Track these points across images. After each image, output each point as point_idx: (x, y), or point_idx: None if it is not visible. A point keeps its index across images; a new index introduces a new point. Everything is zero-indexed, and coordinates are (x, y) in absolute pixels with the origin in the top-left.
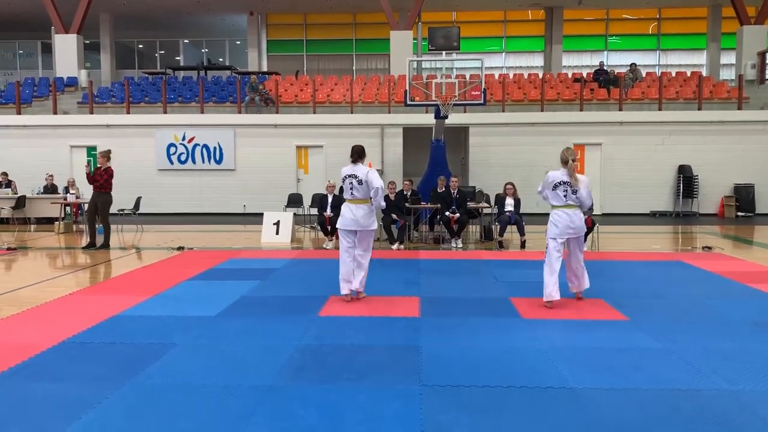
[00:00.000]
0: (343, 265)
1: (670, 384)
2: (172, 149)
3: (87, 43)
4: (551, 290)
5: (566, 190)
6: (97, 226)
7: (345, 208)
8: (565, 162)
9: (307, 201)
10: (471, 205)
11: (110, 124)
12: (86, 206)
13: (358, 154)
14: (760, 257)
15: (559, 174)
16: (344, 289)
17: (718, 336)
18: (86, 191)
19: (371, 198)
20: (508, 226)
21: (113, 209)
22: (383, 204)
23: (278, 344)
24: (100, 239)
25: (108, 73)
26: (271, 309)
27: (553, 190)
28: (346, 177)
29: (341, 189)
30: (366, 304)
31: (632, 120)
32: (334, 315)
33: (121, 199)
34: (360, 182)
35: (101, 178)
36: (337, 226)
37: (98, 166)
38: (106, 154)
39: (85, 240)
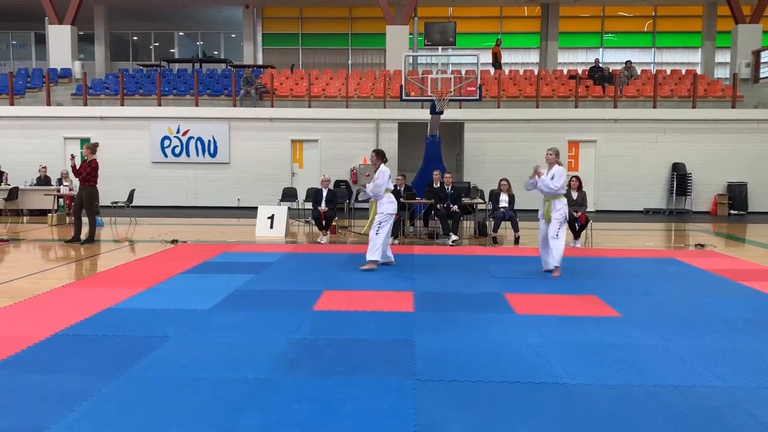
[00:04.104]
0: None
1: (663, 380)
2: (167, 142)
3: (81, 34)
4: (544, 260)
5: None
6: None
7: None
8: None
9: (301, 195)
10: (465, 200)
11: (104, 116)
12: None
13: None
14: (753, 255)
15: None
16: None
17: (710, 333)
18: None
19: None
20: (503, 222)
21: (106, 201)
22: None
23: (272, 338)
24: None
25: (102, 65)
26: (265, 303)
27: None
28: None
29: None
30: (360, 299)
31: (627, 117)
32: (329, 309)
33: (114, 192)
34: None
35: (84, 171)
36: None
37: (84, 158)
38: (92, 147)
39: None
